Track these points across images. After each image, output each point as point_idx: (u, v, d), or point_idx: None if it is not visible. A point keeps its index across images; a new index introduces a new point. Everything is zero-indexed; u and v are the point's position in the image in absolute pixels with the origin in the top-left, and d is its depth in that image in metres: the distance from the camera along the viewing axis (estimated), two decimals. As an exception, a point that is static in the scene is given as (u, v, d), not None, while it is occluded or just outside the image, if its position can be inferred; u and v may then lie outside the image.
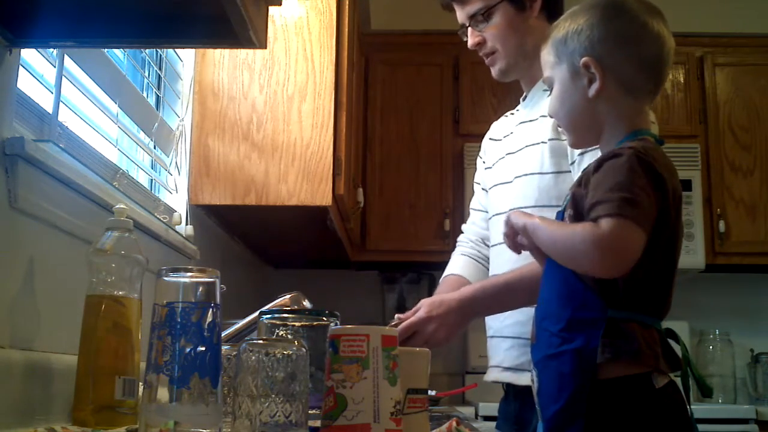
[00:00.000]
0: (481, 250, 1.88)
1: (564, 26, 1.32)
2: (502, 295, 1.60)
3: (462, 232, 1.97)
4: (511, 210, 1.70)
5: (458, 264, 1.89)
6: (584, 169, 1.25)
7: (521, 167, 1.69)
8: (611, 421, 1.16)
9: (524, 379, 1.62)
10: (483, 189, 1.90)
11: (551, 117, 1.39)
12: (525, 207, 1.65)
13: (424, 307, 1.59)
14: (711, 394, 1.27)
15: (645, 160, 1.16)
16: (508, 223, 1.29)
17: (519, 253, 1.32)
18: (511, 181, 1.72)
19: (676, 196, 1.20)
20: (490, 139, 1.91)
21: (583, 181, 1.22)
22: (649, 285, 1.19)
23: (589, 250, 1.14)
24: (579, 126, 1.33)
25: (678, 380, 1.23)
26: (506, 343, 1.68)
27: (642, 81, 1.28)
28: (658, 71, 1.29)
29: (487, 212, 1.86)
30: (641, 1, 1.31)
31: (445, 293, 1.68)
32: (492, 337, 1.75)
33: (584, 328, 1.18)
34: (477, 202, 1.93)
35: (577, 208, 1.21)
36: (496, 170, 1.82)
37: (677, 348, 1.24)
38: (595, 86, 1.26)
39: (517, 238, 1.29)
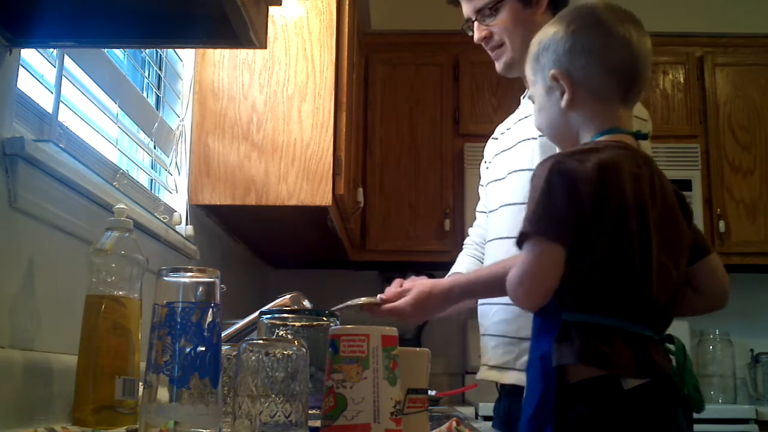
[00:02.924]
0: (483, 251, 1.89)
1: (536, 42, 1.35)
2: (489, 288, 1.63)
3: (468, 235, 1.99)
4: (501, 207, 1.71)
5: (462, 264, 1.91)
6: None
7: (514, 163, 1.69)
8: (578, 423, 1.15)
9: (509, 377, 1.63)
10: (483, 187, 1.91)
11: (540, 132, 1.42)
12: (516, 203, 1.65)
13: (411, 297, 1.62)
14: (700, 409, 1.22)
15: (562, 170, 1.17)
16: None
17: None
18: (504, 178, 1.73)
19: (611, 200, 1.17)
20: (492, 138, 1.92)
21: None
22: (598, 285, 1.17)
23: (514, 298, 1.23)
24: (560, 138, 1.36)
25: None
26: (493, 341, 1.69)
27: (611, 86, 1.28)
28: (629, 76, 1.29)
29: (485, 212, 1.87)
30: (611, 8, 1.32)
31: (437, 280, 1.71)
32: (483, 335, 1.76)
33: (547, 333, 1.20)
34: (480, 203, 1.95)
35: None
36: (492, 167, 1.83)
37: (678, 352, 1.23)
38: (566, 97, 1.29)
39: None
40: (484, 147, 1.95)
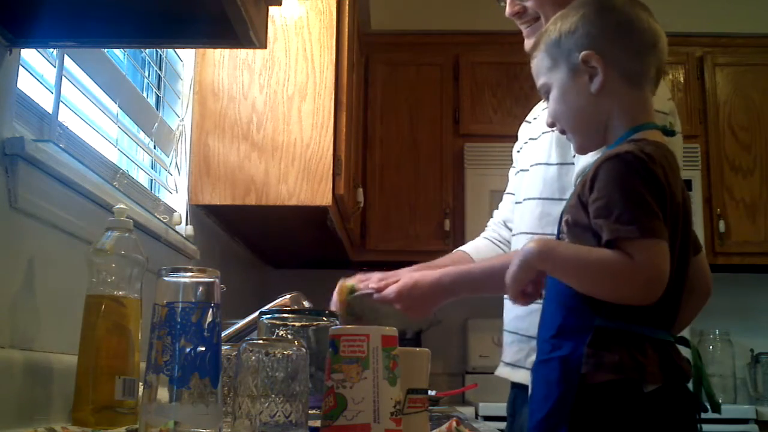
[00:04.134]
0: (501, 232, 1.87)
1: (554, 29, 1.30)
2: (483, 281, 1.60)
3: (492, 216, 1.96)
4: (525, 200, 1.69)
5: (473, 243, 1.88)
6: (585, 172, 1.23)
7: (536, 156, 1.66)
8: (594, 424, 1.14)
9: (518, 375, 1.62)
10: (514, 172, 1.87)
11: (551, 125, 1.35)
12: (533, 198, 1.64)
13: (396, 285, 1.58)
14: (719, 410, 1.22)
15: (645, 167, 1.13)
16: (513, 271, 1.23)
17: (526, 304, 1.27)
18: (528, 169, 1.70)
19: (675, 201, 1.17)
20: (525, 121, 1.87)
21: (586, 186, 1.18)
22: None
23: (626, 284, 1.12)
24: (584, 126, 1.30)
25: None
26: (510, 337, 1.68)
27: (642, 69, 1.26)
28: (655, 59, 1.27)
29: (514, 195, 1.84)
30: None
31: (430, 268, 1.67)
32: (503, 330, 1.74)
33: (572, 335, 1.16)
34: (509, 185, 1.91)
35: (576, 216, 1.19)
36: (522, 155, 1.79)
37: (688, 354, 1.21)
38: (598, 80, 1.24)
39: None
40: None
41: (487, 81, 3.49)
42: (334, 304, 1.61)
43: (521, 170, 1.76)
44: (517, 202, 1.75)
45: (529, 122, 1.82)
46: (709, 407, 1.22)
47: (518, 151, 1.84)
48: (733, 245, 3.40)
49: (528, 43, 1.71)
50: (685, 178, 3.41)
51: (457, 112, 3.52)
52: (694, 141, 3.45)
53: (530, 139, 1.74)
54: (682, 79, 3.54)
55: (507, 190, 1.91)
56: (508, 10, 1.73)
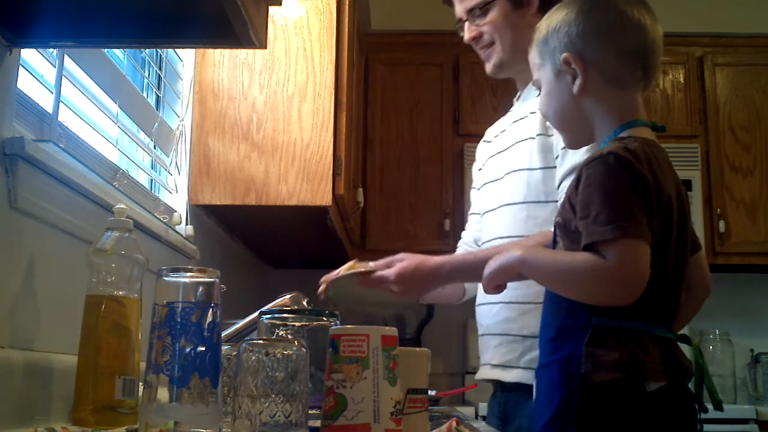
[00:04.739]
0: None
1: (544, 26, 1.30)
2: (478, 271, 1.62)
3: (461, 238, 1.99)
4: (500, 207, 1.70)
5: None
6: (573, 170, 1.23)
7: (511, 163, 1.69)
8: (600, 424, 1.14)
9: (511, 375, 1.63)
10: (476, 190, 1.91)
11: (544, 119, 1.39)
12: (514, 203, 1.65)
13: (397, 267, 1.62)
14: (721, 408, 1.23)
15: (627, 165, 1.12)
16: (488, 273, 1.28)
17: (497, 294, 1.34)
18: (501, 178, 1.72)
19: (664, 196, 1.16)
20: (483, 141, 1.92)
21: (574, 189, 1.19)
22: None
23: (601, 286, 1.12)
24: (569, 125, 1.31)
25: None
26: (495, 340, 1.69)
27: (627, 71, 1.25)
28: (644, 59, 1.25)
29: (479, 214, 1.87)
30: None
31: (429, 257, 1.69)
32: (483, 335, 1.76)
33: (572, 336, 1.16)
34: (473, 206, 1.95)
35: (566, 217, 1.19)
36: (486, 169, 1.83)
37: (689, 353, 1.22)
38: (578, 82, 1.24)
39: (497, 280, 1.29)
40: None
41: (487, 81, 3.48)
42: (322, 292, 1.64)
43: (490, 181, 1.78)
44: (489, 210, 1.77)
45: (489, 141, 1.86)
46: (711, 406, 1.23)
47: (479, 170, 1.87)
48: (733, 245, 3.40)
49: (488, 67, 1.76)
50: (685, 178, 3.43)
51: (457, 112, 3.52)
52: (694, 141, 3.46)
53: (497, 152, 1.77)
54: (682, 79, 3.54)
55: (472, 211, 1.94)
56: (466, 36, 1.79)
